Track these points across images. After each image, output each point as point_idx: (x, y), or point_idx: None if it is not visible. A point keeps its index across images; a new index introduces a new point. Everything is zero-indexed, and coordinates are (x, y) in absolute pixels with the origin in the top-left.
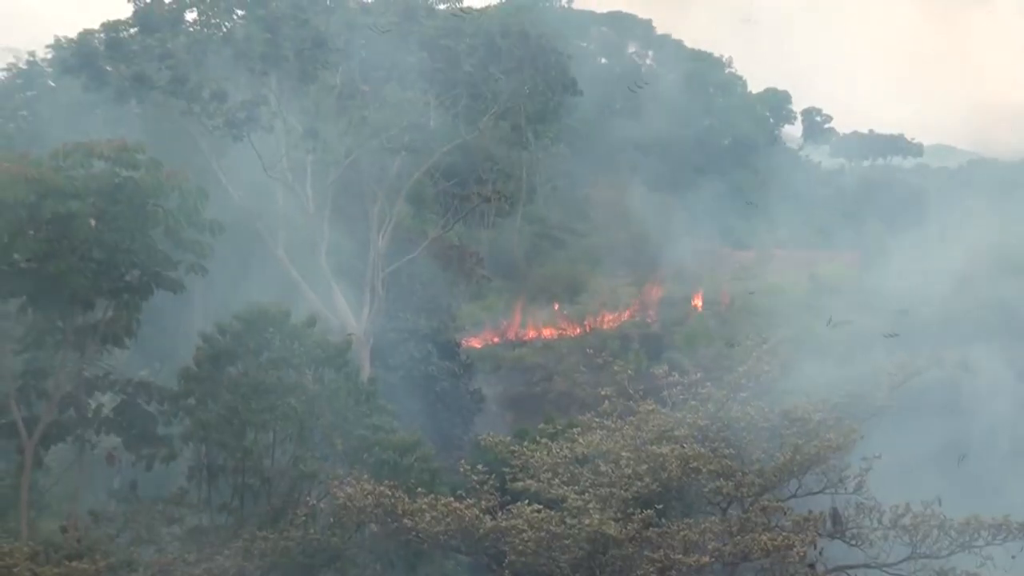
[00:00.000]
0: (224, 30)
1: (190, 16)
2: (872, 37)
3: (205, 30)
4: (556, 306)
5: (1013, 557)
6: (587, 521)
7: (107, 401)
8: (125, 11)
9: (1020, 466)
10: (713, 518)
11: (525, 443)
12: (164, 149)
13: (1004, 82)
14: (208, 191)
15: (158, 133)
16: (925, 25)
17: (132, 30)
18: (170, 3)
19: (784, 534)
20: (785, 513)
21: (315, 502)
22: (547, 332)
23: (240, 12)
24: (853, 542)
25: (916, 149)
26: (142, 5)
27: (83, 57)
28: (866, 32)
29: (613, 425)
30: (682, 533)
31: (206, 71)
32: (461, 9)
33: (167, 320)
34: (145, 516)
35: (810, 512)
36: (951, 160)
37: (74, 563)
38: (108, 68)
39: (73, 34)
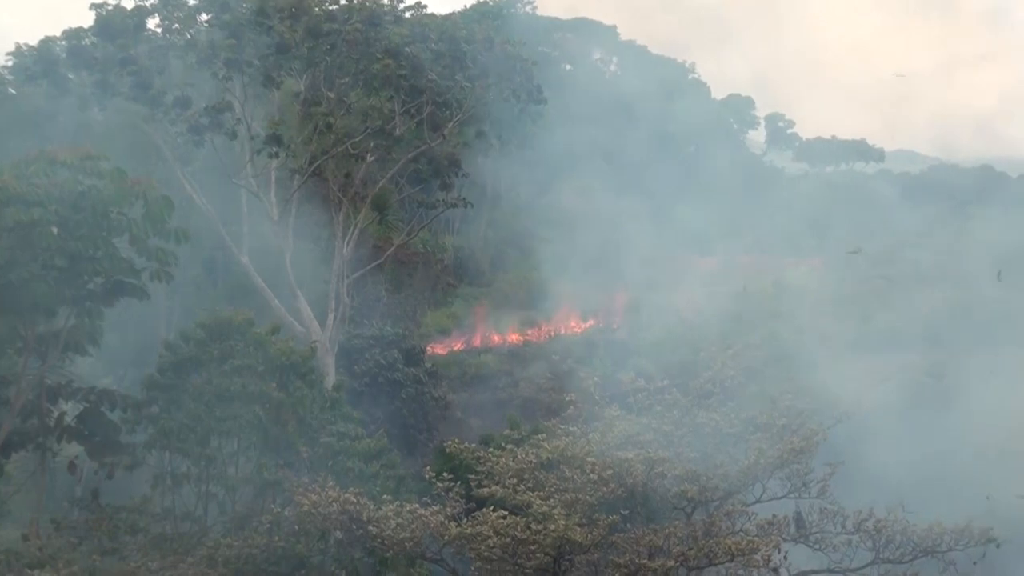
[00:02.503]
0: (188, 36)
1: (152, 23)
2: (835, 43)
3: (168, 36)
4: (521, 312)
5: (975, 563)
6: (552, 527)
7: (69, 409)
8: (87, 19)
9: (983, 471)
10: (678, 522)
11: (490, 449)
12: (128, 156)
13: (965, 89)
14: (172, 198)
15: (121, 140)
16: (888, 32)
17: (94, 37)
18: (132, 10)
19: (749, 538)
20: (750, 517)
21: (279, 509)
22: (512, 338)
23: (204, 17)
24: (817, 546)
25: (878, 154)
26: (104, 12)
27: (45, 64)
28: (829, 38)
29: (578, 431)
30: (647, 538)
31: (169, 77)
32: (426, 15)
33: (131, 328)
34: (108, 524)
35: (774, 516)
36: (913, 165)
37: (36, 572)
38: (70, 75)
39: (34, 42)
